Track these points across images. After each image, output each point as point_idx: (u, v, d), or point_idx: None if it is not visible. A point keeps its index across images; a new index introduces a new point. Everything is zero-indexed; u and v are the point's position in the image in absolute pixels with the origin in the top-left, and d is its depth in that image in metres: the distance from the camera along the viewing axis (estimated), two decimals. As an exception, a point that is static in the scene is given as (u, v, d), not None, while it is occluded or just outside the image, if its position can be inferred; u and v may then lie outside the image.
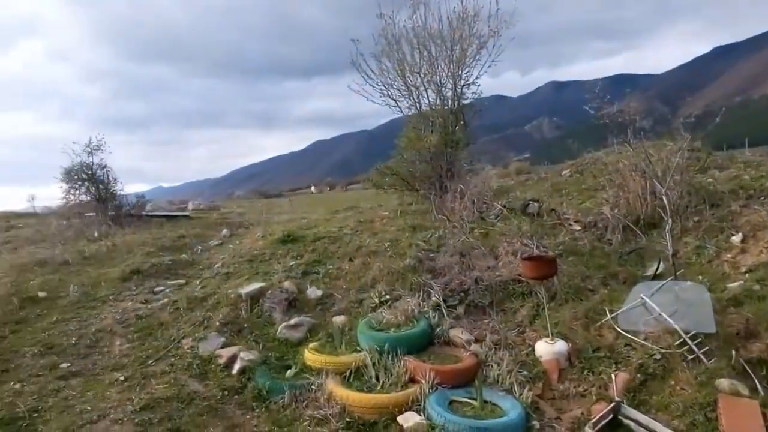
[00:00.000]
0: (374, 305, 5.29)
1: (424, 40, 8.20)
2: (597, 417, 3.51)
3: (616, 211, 6.30)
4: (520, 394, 3.86)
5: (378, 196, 9.64)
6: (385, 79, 8.45)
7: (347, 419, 3.73)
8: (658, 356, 3.95)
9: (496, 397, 3.82)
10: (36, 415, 3.81)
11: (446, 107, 8.33)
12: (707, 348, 3.91)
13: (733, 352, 3.82)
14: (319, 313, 5.47)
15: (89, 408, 3.89)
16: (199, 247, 8.53)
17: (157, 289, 6.60)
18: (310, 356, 4.49)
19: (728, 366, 3.74)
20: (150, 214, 11.95)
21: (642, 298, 4.46)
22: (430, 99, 8.46)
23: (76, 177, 11.09)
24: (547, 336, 4.36)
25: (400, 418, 3.63)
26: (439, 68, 8.24)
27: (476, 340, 4.61)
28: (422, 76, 8.32)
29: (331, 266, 6.30)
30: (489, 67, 8.26)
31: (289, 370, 4.49)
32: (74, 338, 5.27)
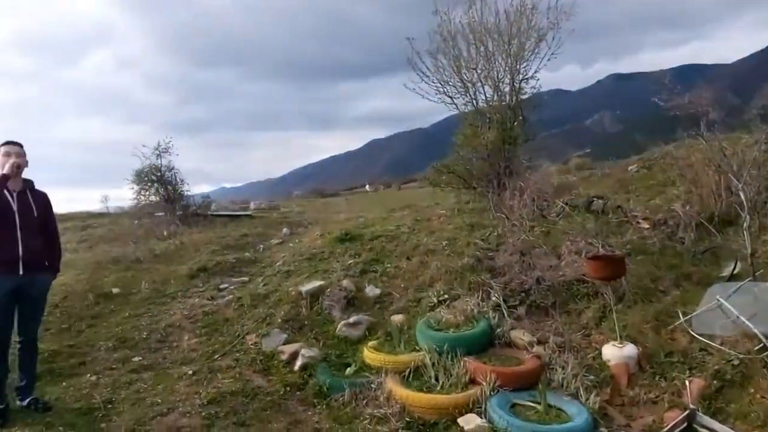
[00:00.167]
0: (432, 304, 5.24)
1: (480, 35, 8.07)
2: (670, 425, 3.33)
3: (688, 207, 5.97)
4: (587, 400, 3.71)
5: (434, 195, 9.58)
6: (440, 76, 8.40)
7: (407, 419, 3.71)
8: (736, 362, 3.69)
9: (561, 402, 3.70)
10: (110, 406, 4.00)
11: (504, 103, 8.18)
12: (791, 354, 3.64)
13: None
14: (377, 311, 5.50)
15: (159, 401, 4.06)
16: (261, 246, 8.76)
17: (222, 286, 6.82)
18: (369, 355, 4.51)
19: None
20: (214, 213, 12.37)
21: (718, 300, 4.20)
22: (487, 95, 8.34)
23: (146, 178, 11.56)
24: (615, 339, 4.19)
25: (461, 420, 3.58)
26: (497, 63, 8.11)
27: (539, 342, 4.47)
28: (479, 71, 8.20)
29: (388, 265, 6.32)
30: (548, 60, 8.05)
31: (348, 368, 4.53)
32: (145, 333, 5.53)
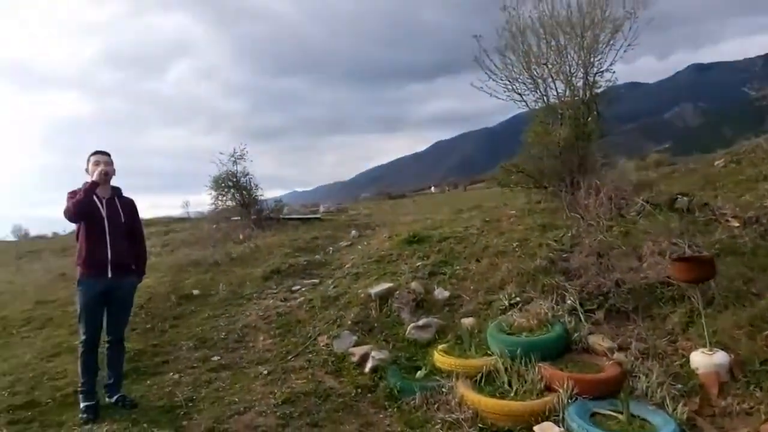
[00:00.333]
0: (504, 307, 5.11)
1: (551, 28, 7.80)
2: (769, 440, 3.06)
3: (783, 204, 5.48)
4: (674, 410, 3.47)
5: (503, 195, 9.37)
6: (509, 73, 8.17)
7: (480, 425, 3.62)
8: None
9: (645, 412, 3.48)
10: (191, 404, 4.16)
11: (577, 98, 7.85)
12: None
13: None
14: (446, 314, 5.42)
15: (236, 400, 4.19)
16: (331, 248, 8.92)
17: (294, 287, 7.00)
18: (440, 358, 4.45)
19: None
20: (286, 217, 12.72)
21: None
22: (558, 90, 8.03)
23: (222, 184, 12.06)
24: (705, 346, 3.89)
25: (537, 428, 3.45)
26: (569, 57, 7.78)
27: (619, 349, 4.24)
28: (550, 66, 7.92)
29: (457, 267, 6.23)
30: (625, 51, 7.64)
31: (419, 371, 4.49)
32: (223, 333, 5.75)
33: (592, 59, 7.68)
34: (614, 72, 7.77)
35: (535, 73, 8.04)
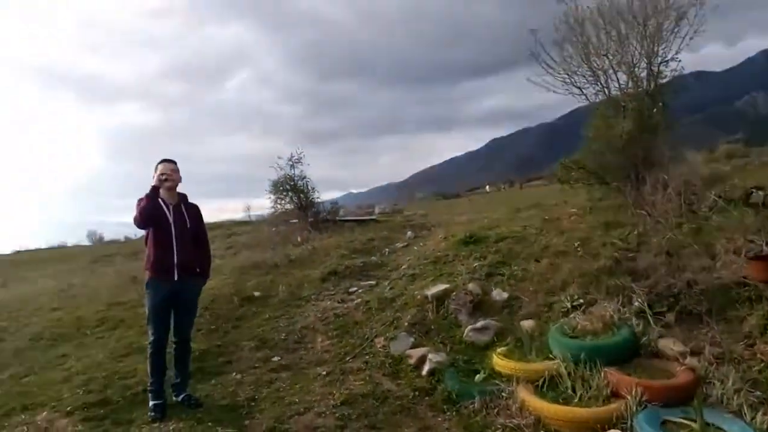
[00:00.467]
0: (565, 310, 4.94)
1: (611, 18, 7.50)
2: None
3: None
4: (752, 419, 3.25)
5: (563, 193, 9.09)
6: (567, 67, 7.92)
7: (542, 431, 3.53)
8: None
9: (721, 420, 3.26)
10: (253, 404, 4.27)
11: (640, 89, 7.51)
12: None
13: None
14: (505, 316, 5.31)
15: (296, 400, 4.27)
16: (387, 249, 8.94)
17: (351, 289, 7.06)
18: (499, 362, 4.36)
19: None
20: (342, 219, 12.87)
21: None
22: (620, 82, 7.71)
23: (281, 188, 12.32)
24: (788, 351, 3.62)
25: (603, 436, 3.32)
26: (631, 47, 7.46)
27: (692, 353, 4.00)
28: (610, 57, 7.61)
29: (516, 267, 6.08)
30: (690, 39, 7.24)
31: (477, 375, 4.41)
32: (283, 334, 5.88)
33: (655, 48, 7.32)
34: (680, 61, 7.38)
35: (595, 65, 7.76)
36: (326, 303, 6.63)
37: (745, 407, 3.35)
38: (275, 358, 5.26)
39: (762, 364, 3.73)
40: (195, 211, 4.37)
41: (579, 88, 7.98)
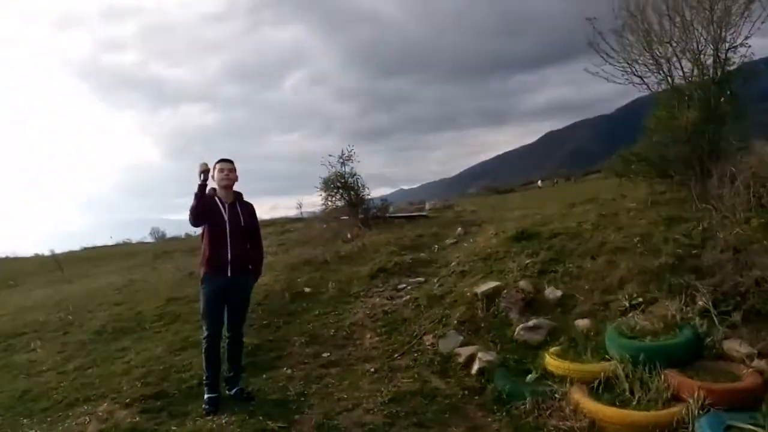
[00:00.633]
0: (623, 309, 4.73)
1: (675, 4, 7.10)
2: None
3: None
4: (826, 427, 2.99)
5: (621, 186, 8.71)
6: (627, 55, 7.56)
7: (597, 435, 3.39)
8: None
9: (793, 428, 3.03)
10: (302, 399, 4.31)
11: (706, 77, 7.07)
12: None
13: None
14: (559, 315, 5.13)
15: (345, 396, 4.28)
16: (436, 246, 8.85)
17: (400, 286, 7.03)
18: (552, 362, 4.22)
19: None
20: (392, 215, 12.87)
21: None
22: (684, 70, 7.28)
23: (332, 185, 12.45)
24: None
25: (663, 442, 3.14)
26: (696, 33, 7.03)
27: (760, 355, 3.75)
28: (674, 45, 7.20)
29: (570, 265, 5.86)
30: (763, 23, 6.75)
31: (529, 375, 4.29)
32: (333, 330, 5.92)
33: (723, 34, 6.87)
34: (750, 46, 6.90)
35: (657, 52, 7.37)
36: (375, 300, 6.63)
37: (820, 415, 3.09)
38: (324, 354, 5.30)
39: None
40: (250, 210, 4.45)
41: (640, 77, 7.61)
